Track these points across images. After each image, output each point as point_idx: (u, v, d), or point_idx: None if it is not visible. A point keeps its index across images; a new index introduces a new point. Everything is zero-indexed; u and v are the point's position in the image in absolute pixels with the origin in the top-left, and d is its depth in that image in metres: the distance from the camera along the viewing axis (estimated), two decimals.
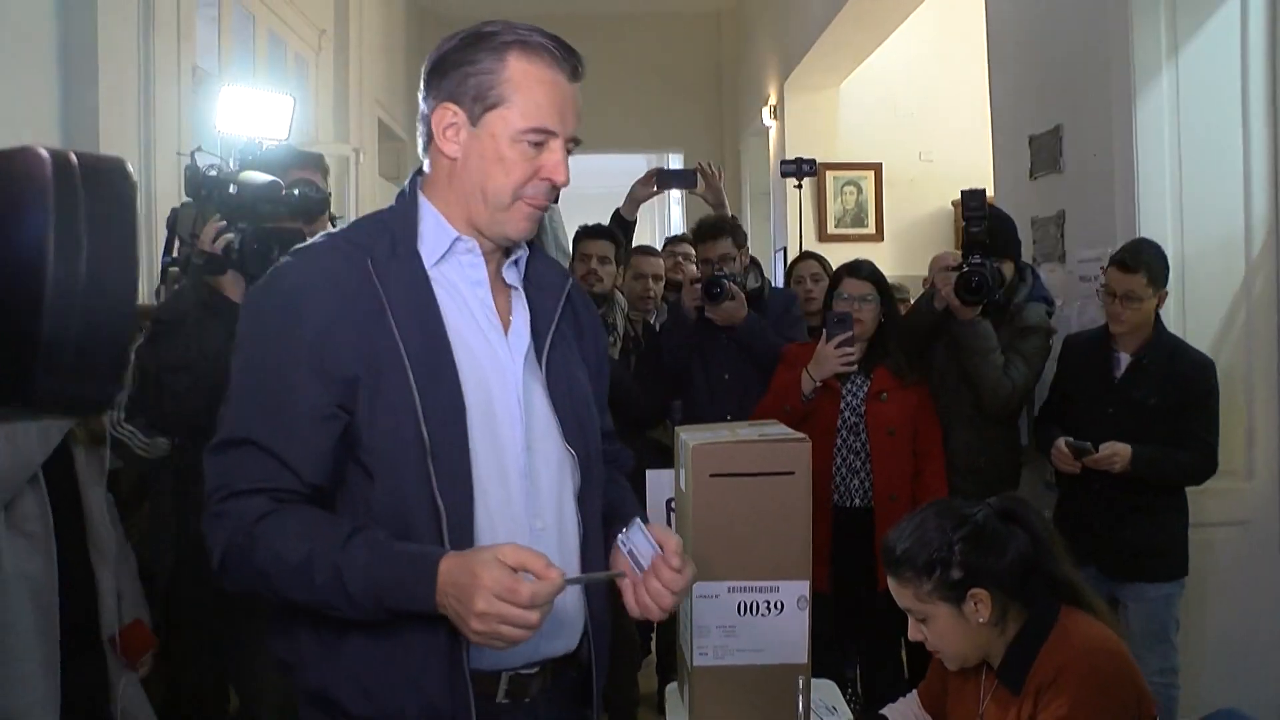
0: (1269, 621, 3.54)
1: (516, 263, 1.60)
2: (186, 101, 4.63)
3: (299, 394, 1.41)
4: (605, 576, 1.51)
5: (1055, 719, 1.78)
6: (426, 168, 1.57)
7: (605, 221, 4.09)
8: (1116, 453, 3.09)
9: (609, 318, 3.85)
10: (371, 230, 1.52)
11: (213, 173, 2.58)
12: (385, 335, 1.42)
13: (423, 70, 1.53)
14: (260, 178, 2.51)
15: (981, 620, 1.87)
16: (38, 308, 0.73)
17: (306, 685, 1.48)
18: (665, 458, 2.94)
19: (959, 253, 3.45)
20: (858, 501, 3.38)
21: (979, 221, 3.35)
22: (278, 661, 1.53)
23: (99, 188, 0.77)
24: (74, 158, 0.77)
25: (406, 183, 1.60)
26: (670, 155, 10.44)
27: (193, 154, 2.86)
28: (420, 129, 1.55)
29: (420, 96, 1.53)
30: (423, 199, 1.54)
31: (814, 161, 6.35)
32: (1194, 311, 3.50)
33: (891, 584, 1.95)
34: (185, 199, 2.67)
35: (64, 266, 0.74)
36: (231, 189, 2.51)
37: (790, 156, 6.51)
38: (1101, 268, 3.30)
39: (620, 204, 4.20)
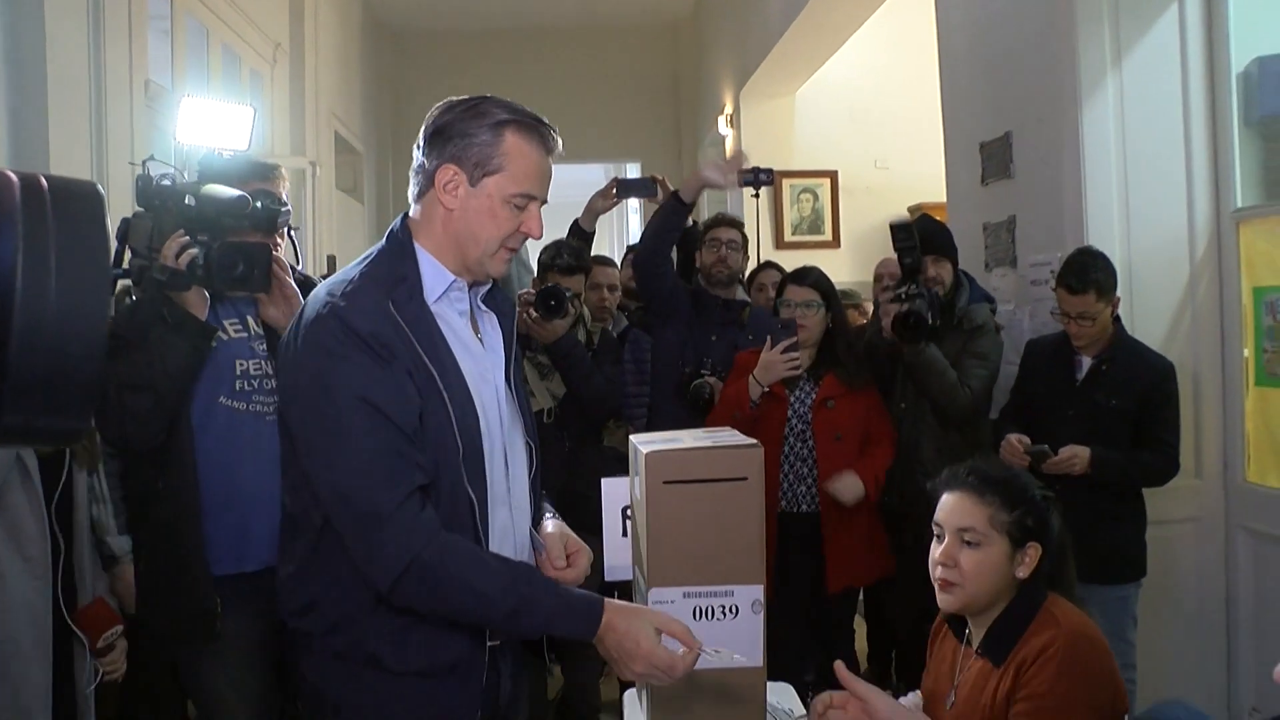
0: (1216, 613, 3.61)
1: (479, 292, 1.91)
2: (139, 114, 4.61)
3: (411, 405, 1.70)
4: (719, 659, 1.76)
5: (1034, 695, 1.82)
6: (415, 213, 1.85)
7: (562, 233, 4.10)
8: (1076, 455, 3.13)
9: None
10: (388, 276, 1.79)
11: (166, 182, 2.51)
12: (421, 365, 1.72)
13: (424, 131, 1.81)
14: (227, 192, 2.45)
15: (1021, 574, 1.95)
16: (4, 337, 0.70)
17: (343, 644, 1.77)
18: (623, 466, 2.95)
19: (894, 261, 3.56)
20: (805, 507, 3.41)
21: (910, 252, 3.53)
22: (303, 632, 1.82)
23: (70, 213, 0.74)
24: (44, 181, 0.74)
25: (396, 225, 1.87)
26: (628, 165, 10.46)
27: (145, 163, 2.78)
28: (416, 180, 1.83)
29: (419, 153, 1.82)
30: (417, 246, 1.82)
31: (771, 171, 6.35)
32: (1141, 314, 3.56)
33: (964, 500, 1.99)
34: (137, 209, 2.59)
35: (32, 295, 0.71)
36: (188, 200, 2.44)
37: (747, 166, 6.54)
38: (1051, 287, 3.36)
39: (577, 214, 4.22)
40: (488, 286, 1.92)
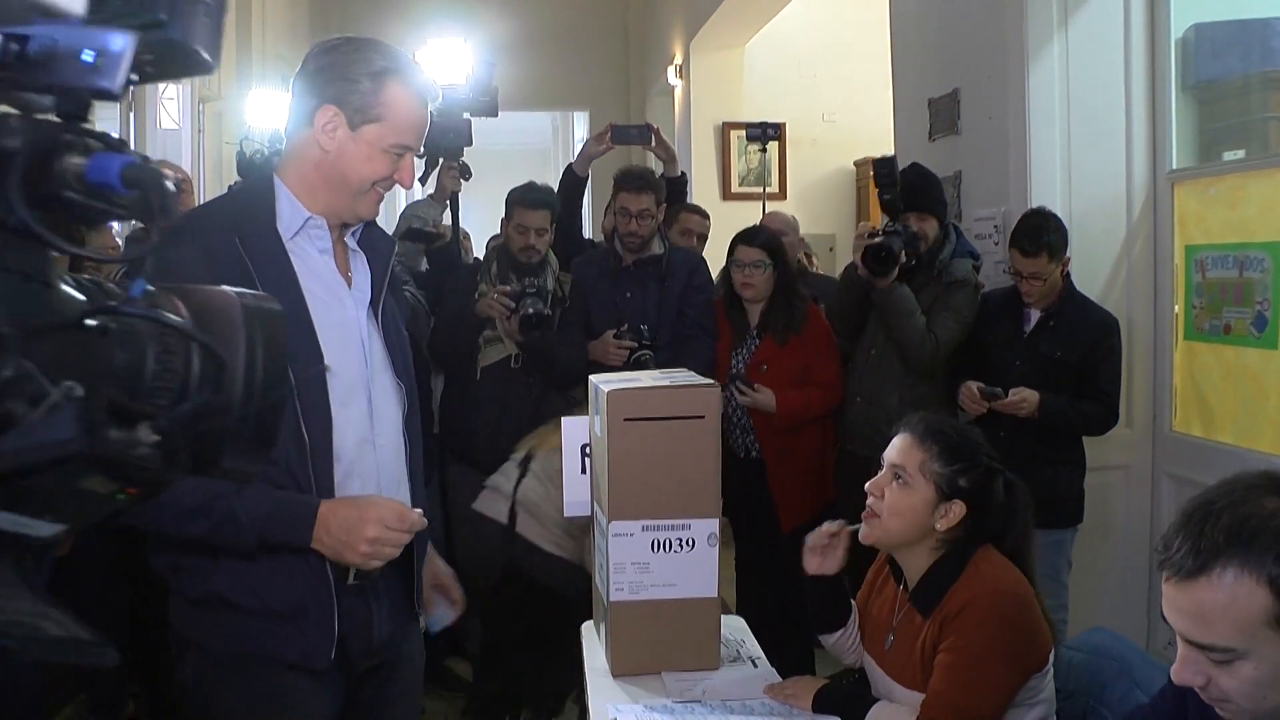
0: (1141, 555, 3.78)
1: (354, 232, 1.92)
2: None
3: None
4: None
5: (954, 647, 1.89)
6: (286, 148, 1.86)
7: (520, 177, 4.08)
8: (1025, 398, 3.25)
9: (541, 279, 3.70)
10: (236, 210, 1.83)
11: (258, 158, 3.16)
12: None
13: (305, 69, 1.79)
14: None
15: (939, 526, 1.96)
16: (228, 403, 0.83)
17: (195, 589, 1.77)
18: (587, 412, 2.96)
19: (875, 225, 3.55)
20: (752, 454, 3.51)
21: (890, 189, 3.48)
22: (160, 574, 1.82)
23: (265, 324, 0.88)
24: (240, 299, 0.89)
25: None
26: (576, 114, 10.42)
27: (241, 141, 3.41)
28: (293, 116, 1.82)
29: (297, 88, 1.80)
30: (278, 181, 1.82)
31: (779, 125, 6.33)
32: (1079, 270, 3.66)
33: (905, 440, 2.02)
34: (238, 179, 3.22)
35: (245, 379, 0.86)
36: None
37: (707, 117, 6.60)
38: (995, 241, 3.42)
39: (522, 162, 4.24)
40: (360, 226, 1.92)
